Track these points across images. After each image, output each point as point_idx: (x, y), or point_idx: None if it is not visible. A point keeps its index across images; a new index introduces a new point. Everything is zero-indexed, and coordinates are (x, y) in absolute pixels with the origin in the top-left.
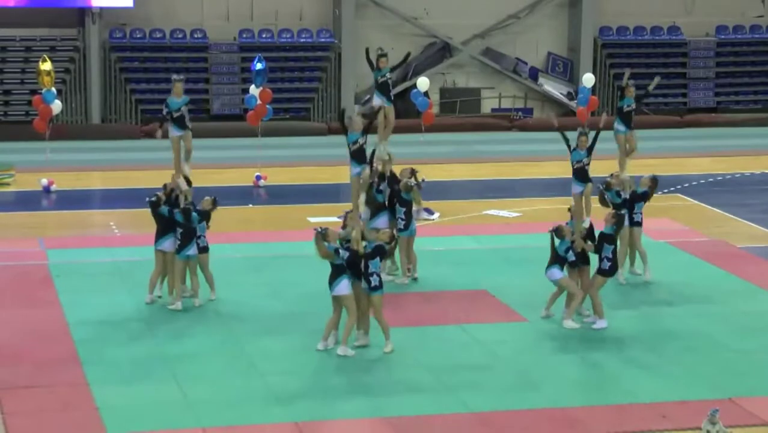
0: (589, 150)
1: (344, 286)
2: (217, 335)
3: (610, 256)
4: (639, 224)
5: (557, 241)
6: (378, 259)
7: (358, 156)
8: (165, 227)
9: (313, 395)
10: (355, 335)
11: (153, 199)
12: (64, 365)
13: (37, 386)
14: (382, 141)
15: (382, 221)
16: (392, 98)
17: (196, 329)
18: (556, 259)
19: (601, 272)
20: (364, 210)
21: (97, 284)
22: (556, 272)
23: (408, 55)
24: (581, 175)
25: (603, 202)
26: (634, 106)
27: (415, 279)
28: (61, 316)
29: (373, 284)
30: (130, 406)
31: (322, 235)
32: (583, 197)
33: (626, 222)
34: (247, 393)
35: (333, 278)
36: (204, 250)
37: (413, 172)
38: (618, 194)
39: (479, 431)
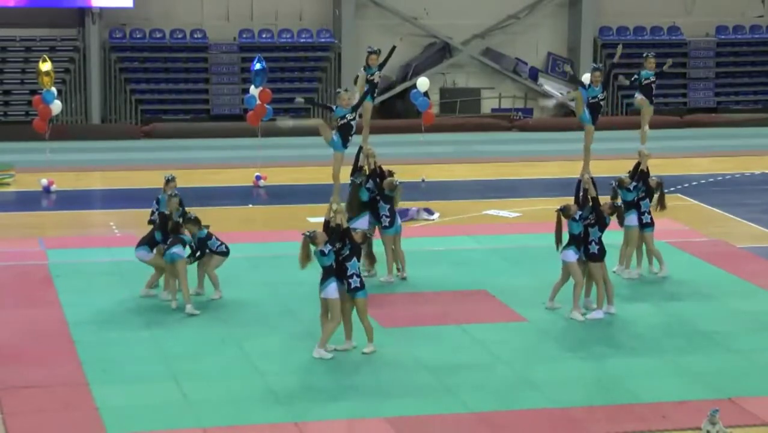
0: (604, 85)
1: (332, 289)
2: (216, 334)
3: (597, 240)
4: (649, 225)
5: (570, 224)
6: (356, 260)
7: (344, 130)
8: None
9: (314, 395)
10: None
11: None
12: (64, 365)
13: (37, 386)
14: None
15: (363, 221)
16: (374, 96)
17: (196, 329)
18: (573, 240)
19: (591, 257)
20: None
21: (97, 284)
22: (571, 254)
23: (393, 48)
24: (595, 110)
25: (614, 198)
26: (653, 78)
27: (404, 279)
28: (61, 316)
29: (353, 285)
30: (130, 406)
31: (310, 238)
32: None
33: (635, 222)
34: (247, 393)
35: (322, 280)
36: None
37: (391, 174)
38: (629, 190)
39: (479, 431)
